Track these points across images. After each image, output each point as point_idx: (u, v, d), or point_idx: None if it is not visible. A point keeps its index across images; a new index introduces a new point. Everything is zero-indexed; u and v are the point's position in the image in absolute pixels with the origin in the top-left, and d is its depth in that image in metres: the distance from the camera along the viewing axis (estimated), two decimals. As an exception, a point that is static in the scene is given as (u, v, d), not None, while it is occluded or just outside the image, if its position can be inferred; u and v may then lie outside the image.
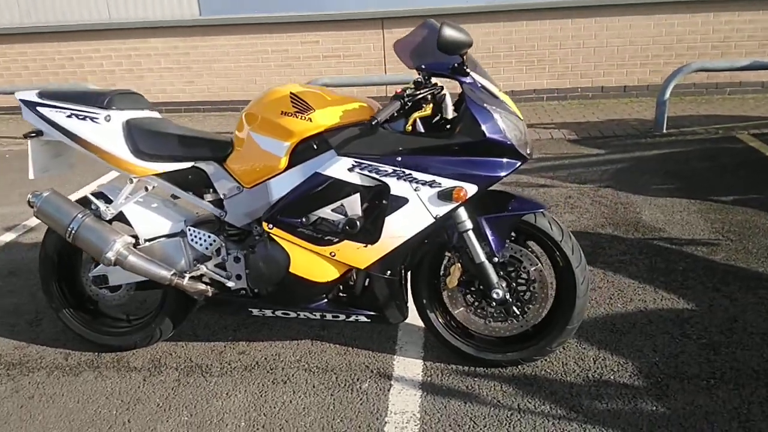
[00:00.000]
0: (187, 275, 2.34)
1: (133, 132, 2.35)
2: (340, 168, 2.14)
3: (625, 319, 2.69)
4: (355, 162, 2.13)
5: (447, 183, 2.11)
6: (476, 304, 2.37)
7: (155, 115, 2.56)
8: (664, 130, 5.53)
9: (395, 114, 2.09)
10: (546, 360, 2.44)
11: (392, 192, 2.13)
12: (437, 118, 2.23)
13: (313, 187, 2.18)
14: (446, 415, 2.18)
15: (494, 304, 2.31)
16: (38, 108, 2.39)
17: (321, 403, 2.28)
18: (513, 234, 2.34)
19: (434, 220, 2.16)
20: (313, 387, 2.37)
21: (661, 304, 2.80)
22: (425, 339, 2.61)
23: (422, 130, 2.17)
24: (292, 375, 2.44)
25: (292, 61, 7.08)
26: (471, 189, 2.11)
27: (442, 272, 2.38)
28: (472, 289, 2.33)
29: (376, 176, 2.13)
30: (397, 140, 2.12)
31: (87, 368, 2.56)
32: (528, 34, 6.79)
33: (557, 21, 6.69)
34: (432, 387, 2.33)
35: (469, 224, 2.21)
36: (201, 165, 2.36)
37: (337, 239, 2.21)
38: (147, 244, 2.42)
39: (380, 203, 2.16)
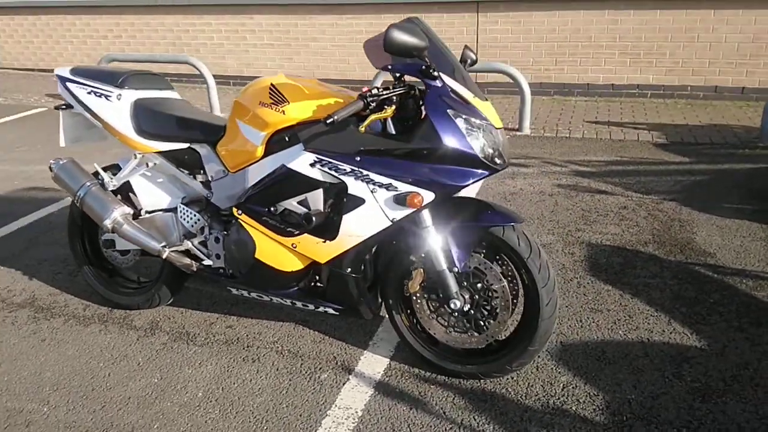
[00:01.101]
0: (167, 249, 2.51)
1: (139, 111, 2.53)
2: (303, 162, 2.17)
3: (620, 348, 2.49)
4: (317, 158, 2.15)
5: (404, 187, 2.06)
6: (438, 311, 2.31)
7: (173, 95, 2.73)
8: (770, 142, 4.92)
9: (367, 113, 2.07)
10: (513, 377, 2.34)
11: (349, 191, 2.13)
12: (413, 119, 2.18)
13: (279, 179, 2.23)
14: (386, 418, 2.18)
15: (454, 314, 2.25)
16: (67, 83, 2.64)
17: (277, 386, 2.36)
18: (485, 245, 2.25)
19: (391, 223, 2.13)
20: (277, 370, 2.46)
21: (668, 337, 2.55)
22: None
23: (393, 132, 2.13)
24: (263, 355, 2.55)
25: (385, 42, 7.11)
26: (428, 196, 2.06)
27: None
28: (434, 296, 2.28)
29: (335, 174, 2.13)
30: (359, 140, 2.10)
31: (97, 321, 2.84)
32: (635, 24, 6.28)
33: (670, 11, 6.12)
34: (386, 387, 2.33)
35: (432, 230, 2.16)
36: (196, 146, 2.50)
37: (298, 232, 2.25)
38: (147, 216, 2.61)
39: (339, 201, 2.17)
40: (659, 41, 6.28)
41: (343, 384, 2.36)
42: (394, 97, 2.07)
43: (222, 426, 2.17)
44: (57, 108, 2.72)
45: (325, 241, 2.22)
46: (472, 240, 2.17)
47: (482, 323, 2.25)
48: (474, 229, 2.15)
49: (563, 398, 2.24)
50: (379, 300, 2.46)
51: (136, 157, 2.59)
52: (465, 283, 2.23)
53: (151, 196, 2.60)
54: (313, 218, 2.17)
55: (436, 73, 2.02)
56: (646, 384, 2.29)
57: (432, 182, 2.04)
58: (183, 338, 2.68)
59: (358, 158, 2.09)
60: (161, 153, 2.55)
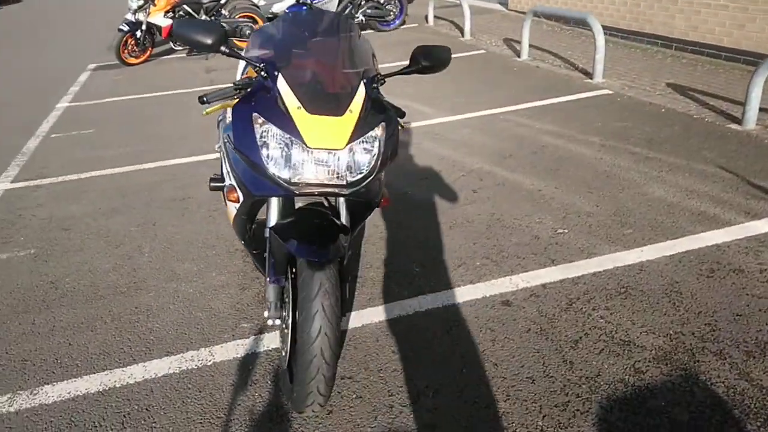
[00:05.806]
0: None
1: None
2: (223, 122, 2.39)
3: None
4: (220, 117, 2.35)
5: (231, 179, 2.09)
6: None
7: None
8: None
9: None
10: (314, 424, 2.09)
11: (223, 164, 2.26)
12: None
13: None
14: (163, 389, 2.28)
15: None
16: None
17: (182, 309, 2.72)
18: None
19: (236, 208, 2.17)
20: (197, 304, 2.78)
21: None
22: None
23: None
24: (225, 265, 2.89)
25: None
26: (240, 195, 2.03)
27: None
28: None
29: (220, 141, 2.30)
30: None
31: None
32: None
33: None
34: (235, 367, 2.35)
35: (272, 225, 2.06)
36: None
37: (224, 183, 2.34)
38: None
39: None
40: None
41: (221, 343, 2.50)
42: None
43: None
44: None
45: (227, 203, 2.40)
46: (282, 256, 2.01)
47: (283, 347, 2.10)
48: (280, 246, 1.98)
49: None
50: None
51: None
52: (287, 299, 2.10)
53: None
54: (210, 178, 2.37)
55: (264, 74, 1.92)
56: None
57: (242, 183, 2.01)
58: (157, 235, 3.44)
59: (225, 137, 2.19)
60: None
